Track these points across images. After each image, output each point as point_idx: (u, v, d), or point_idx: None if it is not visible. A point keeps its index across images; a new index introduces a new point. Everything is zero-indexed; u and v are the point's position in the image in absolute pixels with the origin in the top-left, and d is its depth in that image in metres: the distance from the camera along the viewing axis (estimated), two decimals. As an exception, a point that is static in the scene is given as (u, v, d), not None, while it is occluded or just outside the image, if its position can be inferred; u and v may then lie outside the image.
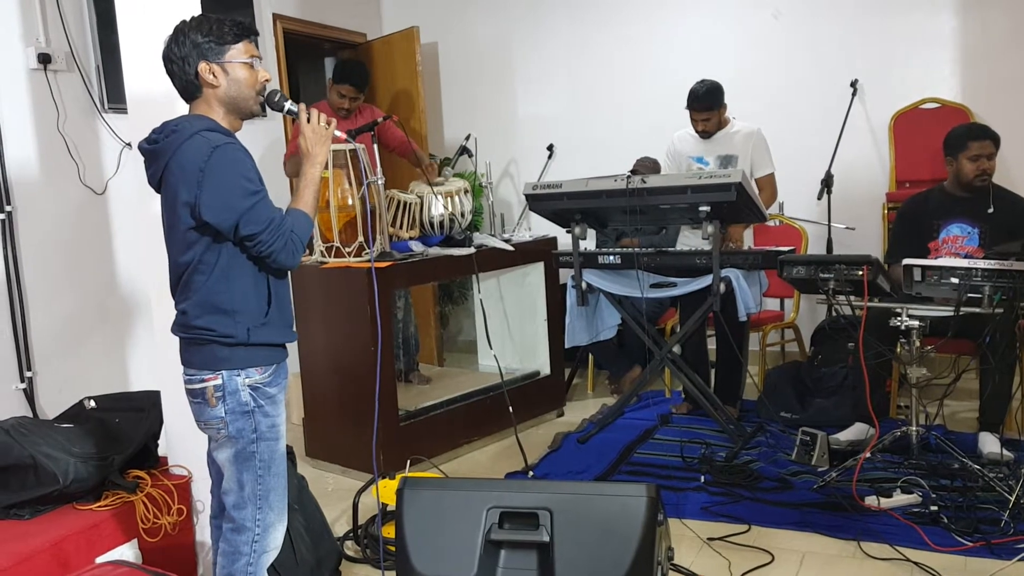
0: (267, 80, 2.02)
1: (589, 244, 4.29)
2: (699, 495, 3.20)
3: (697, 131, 4.01)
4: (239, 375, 1.96)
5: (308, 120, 2.06)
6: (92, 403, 2.80)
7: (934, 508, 2.85)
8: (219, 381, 1.96)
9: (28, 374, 3.52)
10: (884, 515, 2.89)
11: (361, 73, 4.33)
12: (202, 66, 1.92)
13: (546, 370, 4.31)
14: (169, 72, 1.97)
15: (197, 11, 2.54)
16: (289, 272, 2.09)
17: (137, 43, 2.56)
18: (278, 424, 2.05)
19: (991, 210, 3.45)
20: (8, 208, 3.46)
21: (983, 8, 4.46)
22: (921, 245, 3.55)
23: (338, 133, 2.11)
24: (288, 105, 2.06)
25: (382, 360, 3.48)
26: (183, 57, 1.92)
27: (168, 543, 2.60)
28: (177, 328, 2.02)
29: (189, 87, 1.96)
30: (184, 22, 1.96)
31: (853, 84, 4.68)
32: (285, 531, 2.14)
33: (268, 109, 2.07)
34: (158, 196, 2.01)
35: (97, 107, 3.84)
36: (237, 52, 1.95)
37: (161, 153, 1.91)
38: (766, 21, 4.93)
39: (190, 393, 2.02)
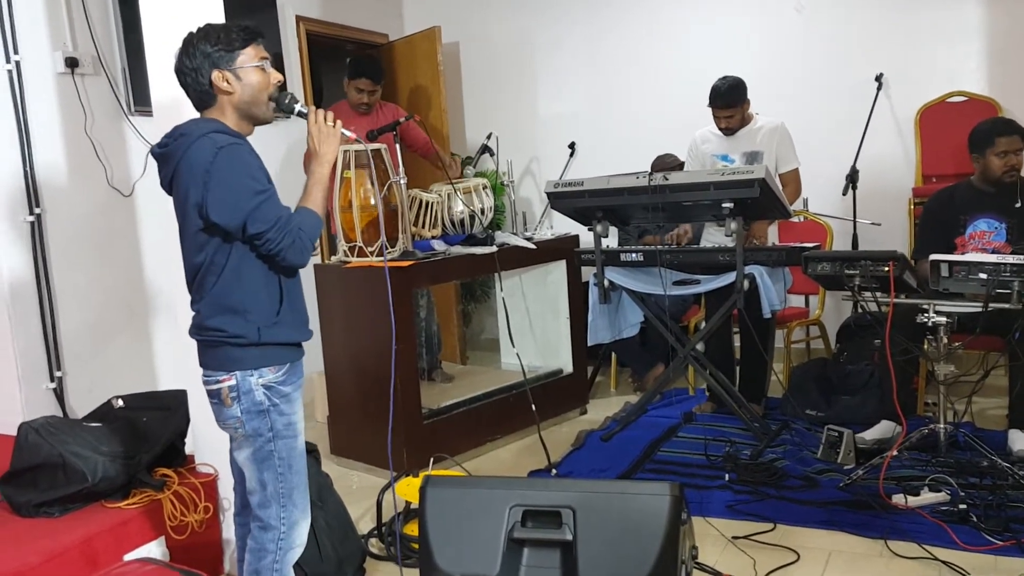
0: (279, 82, 2.03)
1: (611, 242, 4.28)
2: (724, 493, 3.18)
3: (720, 128, 3.98)
4: (252, 375, 1.98)
5: (315, 120, 2.07)
6: (120, 402, 2.84)
7: (963, 506, 2.81)
8: (233, 382, 1.98)
9: (58, 374, 3.56)
10: (912, 513, 2.86)
11: (374, 65, 4.39)
12: (215, 75, 1.94)
13: (569, 368, 4.31)
14: (183, 85, 1.99)
15: (220, 14, 2.58)
16: (301, 271, 2.10)
17: (162, 47, 2.58)
18: (295, 422, 2.06)
19: (1019, 204, 3.40)
20: (37, 210, 3.50)
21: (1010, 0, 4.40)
22: (948, 240, 3.50)
23: (346, 132, 2.11)
24: (298, 107, 2.06)
25: (405, 358, 3.51)
26: (195, 68, 1.94)
27: (195, 540, 2.63)
28: (193, 330, 2.05)
29: (204, 97, 1.98)
30: (191, 34, 1.98)
31: (878, 78, 4.62)
32: (309, 528, 2.16)
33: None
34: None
35: (124, 110, 3.88)
36: (247, 57, 1.97)
37: (171, 156, 1.94)
38: (789, 15, 4.89)
39: (208, 394, 2.05)
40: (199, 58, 1.94)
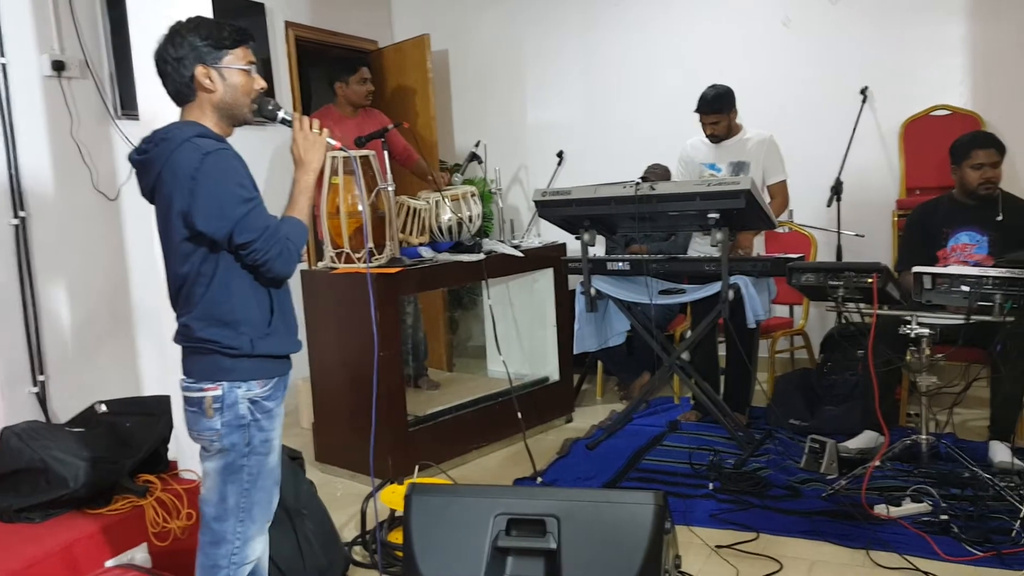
0: (262, 88, 1.97)
1: (598, 250, 4.29)
2: (707, 502, 3.19)
3: (706, 135, 4.02)
4: (240, 387, 1.90)
5: (301, 127, 2.00)
6: (103, 407, 2.82)
7: (944, 517, 2.83)
8: (219, 392, 1.89)
9: (41, 378, 3.54)
10: (894, 524, 2.88)
11: (361, 55, 4.38)
12: (199, 70, 1.87)
13: (555, 376, 4.31)
14: (162, 73, 1.91)
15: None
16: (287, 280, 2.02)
17: (149, 51, 2.55)
18: (272, 439, 1.99)
19: (1000, 218, 3.44)
20: (22, 214, 3.49)
21: (994, 15, 4.45)
22: (930, 253, 3.54)
23: (331, 141, 2.05)
24: (281, 114, 2.01)
25: (391, 365, 3.50)
26: (179, 59, 1.87)
27: (177, 547, 2.62)
28: (180, 339, 1.96)
29: (183, 90, 1.90)
30: (181, 23, 1.90)
31: (863, 91, 4.67)
32: (292, 535, 2.14)
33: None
34: None
35: (110, 114, 3.87)
36: (235, 58, 1.90)
37: (152, 163, 1.85)
38: (777, 28, 4.93)
39: (187, 401, 1.95)
40: (185, 48, 1.86)
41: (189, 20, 1.91)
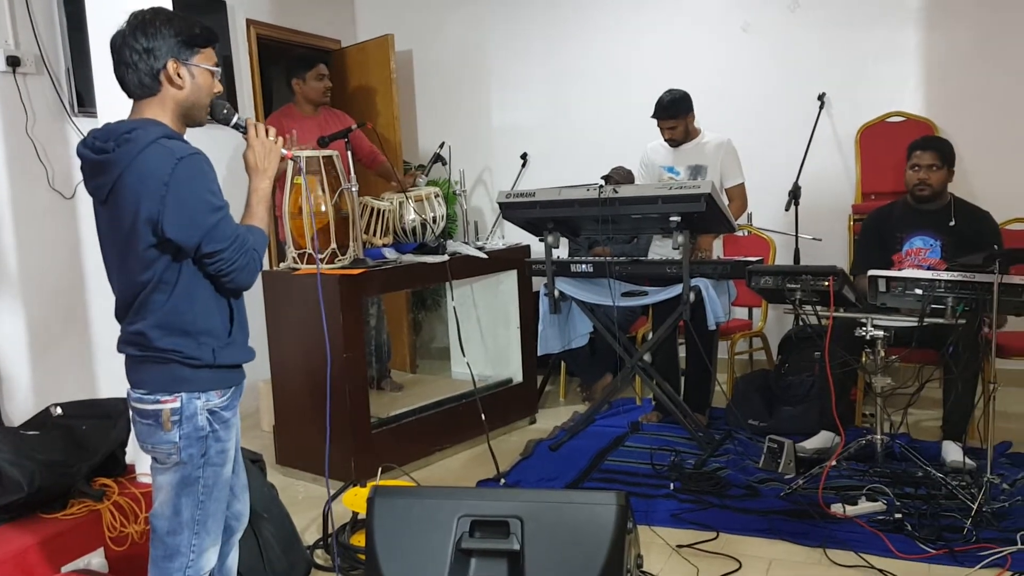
0: (220, 92, 1.93)
1: (562, 252, 4.31)
2: (668, 502, 3.22)
3: (664, 139, 4.07)
4: (199, 398, 1.85)
5: (257, 134, 1.95)
6: (59, 410, 2.76)
7: (898, 516, 2.89)
8: (177, 404, 1.83)
9: (-7, 380, 3.47)
10: (849, 522, 2.94)
11: (318, 52, 4.34)
12: (171, 64, 1.80)
13: (519, 377, 4.32)
14: (124, 63, 1.81)
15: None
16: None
17: (108, 47, 2.54)
18: (228, 449, 1.94)
19: (953, 223, 3.52)
20: (-26, 212, 3.41)
21: (948, 23, 4.56)
22: (885, 257, 3.61)
23: (284, 151, 2.01)
24: (235, 119, 1.96)
25: (354, 367, 3.49)
26: (149, 49, 1.78)
27: (135, 552, 2.57)
28: (132, 348, 1.86)
29: (146, 82, 1.81)
30: (150, 13, 1.83)
31: (820, 97, 4.75)
32: (254, 539, 2.11)
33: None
34: None
35: (67, 110, 3.80)
36: (204, 57, 1.86)
37: (113, 164, 1.75)
38: (737, 34, 5.00)
39: (139, 414, 1.87)
40: (159, 40, 1.78)
41: (158, 12, 1.84)
